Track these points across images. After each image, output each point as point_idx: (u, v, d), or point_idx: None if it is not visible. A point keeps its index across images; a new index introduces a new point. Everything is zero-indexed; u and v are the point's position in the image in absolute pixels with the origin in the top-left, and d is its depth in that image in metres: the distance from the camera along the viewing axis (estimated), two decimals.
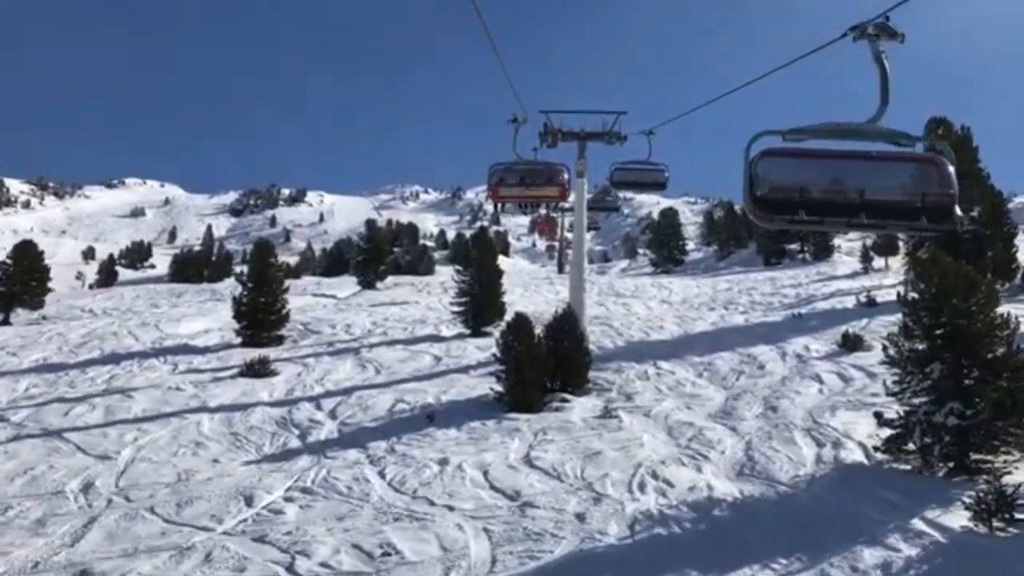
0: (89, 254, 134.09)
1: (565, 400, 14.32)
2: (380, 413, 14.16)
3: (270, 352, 20.00)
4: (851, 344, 16.80)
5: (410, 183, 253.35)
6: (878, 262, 34.75)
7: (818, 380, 14.97)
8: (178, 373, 17.93)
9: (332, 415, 14.21)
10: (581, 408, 13.95)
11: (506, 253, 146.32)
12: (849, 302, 23.82)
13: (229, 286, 53.86)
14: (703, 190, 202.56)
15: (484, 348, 19.12)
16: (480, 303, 21.31)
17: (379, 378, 16.88)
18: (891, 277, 30.55)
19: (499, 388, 14.21)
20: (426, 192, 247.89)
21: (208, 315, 26.95)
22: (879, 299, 22.37)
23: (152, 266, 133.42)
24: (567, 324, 15.37)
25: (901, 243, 36.30)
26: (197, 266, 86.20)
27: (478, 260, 21.93)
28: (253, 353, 19.09)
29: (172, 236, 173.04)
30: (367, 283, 36.33)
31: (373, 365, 17.97)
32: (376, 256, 37.17)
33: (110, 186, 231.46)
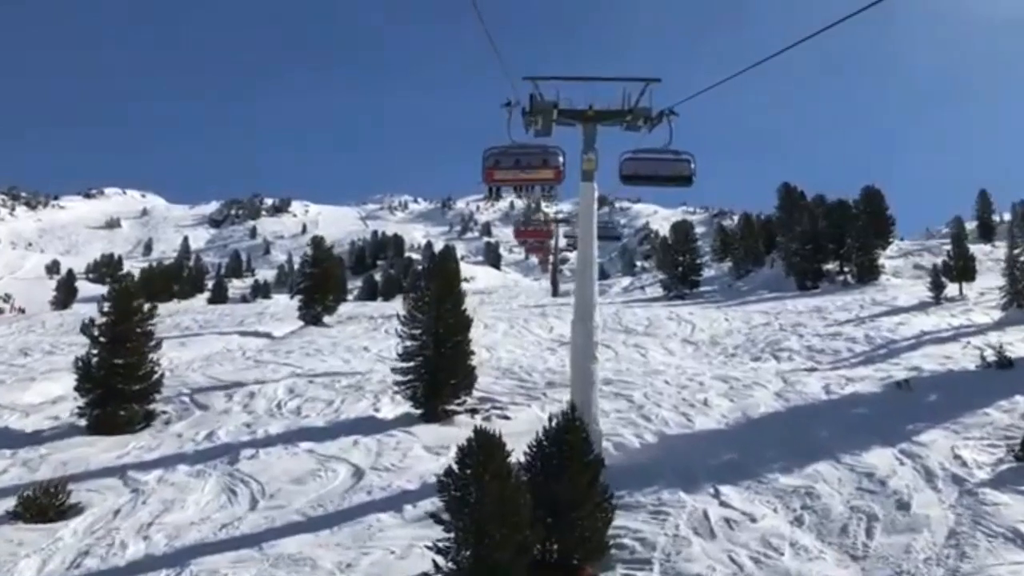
0: (54, 268, 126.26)
1: None
2: None
3: (114, 448, 13.27)
4: None
5: (399, 192, 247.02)
6: (949, 288, 27.48)
7: (1021, 543, 8.24)
8: None
9: None
10: None
11: (497, 266, 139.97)
12: (961, 357, 17.00)
13: (187, 308, 46.82)
14: (701, 199, 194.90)
15: (438, 448, 12.34)
16: (436, 368, 14.37)
17: (248, 520, 9.98)
18: (978, 311, 23.83)
19: (446, 569, 7.45)
20: (415, 201, 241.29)
21: None
22: (1009, 353, 15.67)
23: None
24: (569, 441, 8.63)
25: (979, 264, 29.86)
26: (167, 282, 79.11)
27: (436, 299, 15.02)
28: (90, 450, 12.49)
29: (148, 248, 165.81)
30: (312, 318, 29.10)
31: (250, 488, 11.01)
32: (322, 283, 29.78)
33: (88, 196, 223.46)
